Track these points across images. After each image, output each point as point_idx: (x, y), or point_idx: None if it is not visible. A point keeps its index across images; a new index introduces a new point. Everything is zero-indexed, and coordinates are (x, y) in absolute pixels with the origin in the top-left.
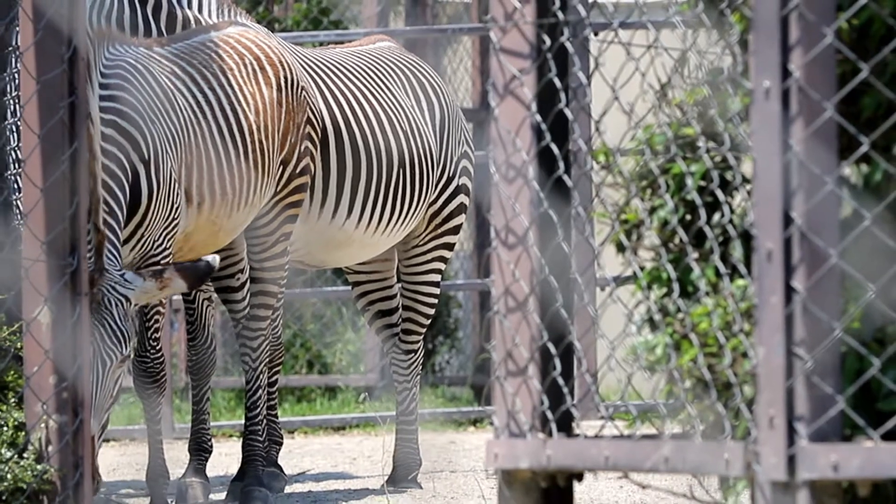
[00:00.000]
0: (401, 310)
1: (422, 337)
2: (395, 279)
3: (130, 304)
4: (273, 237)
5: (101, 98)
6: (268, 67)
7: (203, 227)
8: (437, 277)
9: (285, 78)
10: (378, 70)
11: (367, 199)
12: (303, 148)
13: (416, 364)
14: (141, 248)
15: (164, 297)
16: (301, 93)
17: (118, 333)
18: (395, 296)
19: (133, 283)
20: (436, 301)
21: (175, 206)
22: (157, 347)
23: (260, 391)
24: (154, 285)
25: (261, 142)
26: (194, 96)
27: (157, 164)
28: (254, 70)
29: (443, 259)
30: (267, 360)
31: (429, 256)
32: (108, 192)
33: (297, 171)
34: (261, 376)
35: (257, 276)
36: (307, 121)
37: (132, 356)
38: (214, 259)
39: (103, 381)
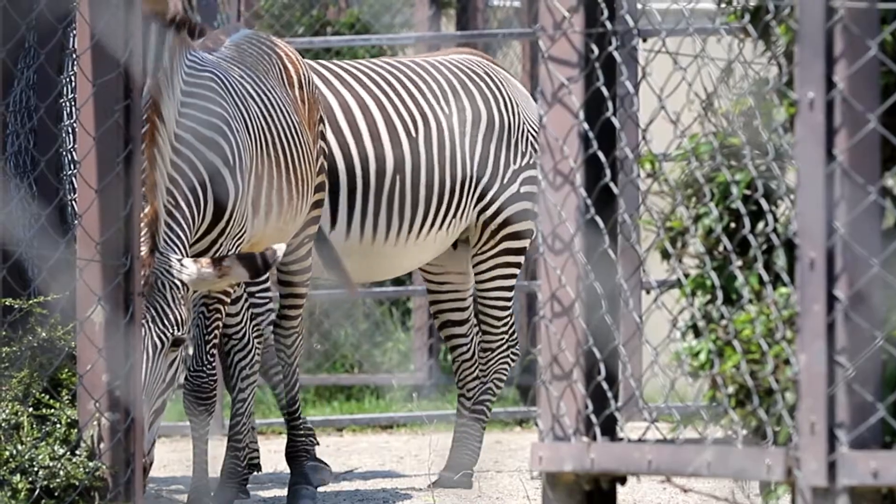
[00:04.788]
0: (472, 319)
1: (500, 338)
2: (469, 292)
3: (187, 289)
4: (298, 239)
5: (188, 106)
6: (289, 66)
7: (271, 235)
8: (503, 283)
9: (304, 75)
10: (408, 79)
11: (364, 211)
12: (318, 147)
13: (493, 362)
14: None
15: (224, 285)
16: (315, 90)
17: (169, 316)
18: (467, 308)
19: (189, 269)
20: (504, 304)
21: (245, 219)
22: (213, 364)
23: (297, 386)
24: (212, 273)
25: (306, 142)
26: (262, 102)
27: (241, 173)
28: (279, 70)
29: (508, 265)
30: (301, 355)
31: (490, 264)
32: (179, 189)
33: (316, 169)
34: (297, 373)
35: (286, 279)
36: (320, 119)
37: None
38: (280, 248)
39: (154, 364)
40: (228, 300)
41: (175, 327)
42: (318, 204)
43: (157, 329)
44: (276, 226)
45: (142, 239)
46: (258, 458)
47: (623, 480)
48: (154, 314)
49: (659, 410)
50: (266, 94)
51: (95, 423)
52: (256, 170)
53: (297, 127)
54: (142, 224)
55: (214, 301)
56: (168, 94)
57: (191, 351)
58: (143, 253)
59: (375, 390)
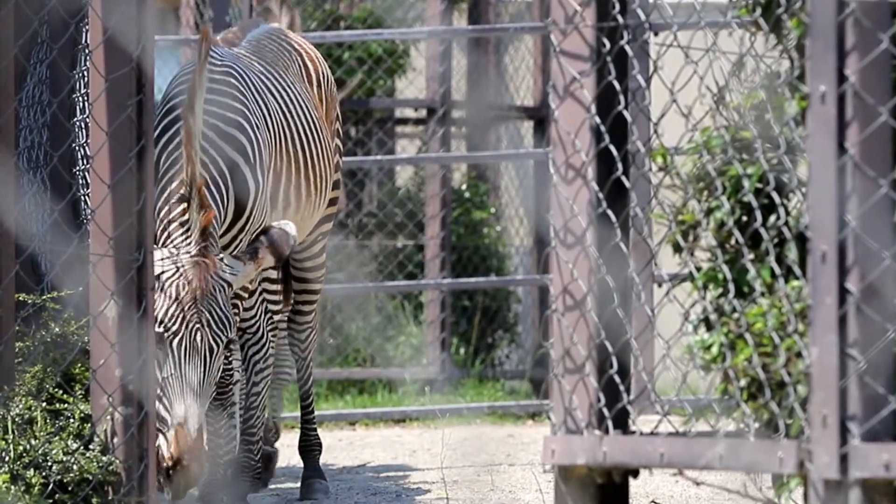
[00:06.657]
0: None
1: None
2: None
3: (231, 288)
4: (312, 236)
5: (208, 102)
6: (309, 64)
7: None
8: None
9: (323, 73)
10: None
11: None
12: (335, 144)
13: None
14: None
15: (257, 275)
16: (333, 88)
17: (223, 320)
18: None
19: (234, 269)
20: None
21: (264, 215)
22: (230, 358)
23: (311, 381)
24: (253, 267)
25: (325, 139)
26: (282, 97)
27: (261, 169)
28: (299, 66)
29: None
30: (315, 349)
31: None
32: (210, 183)
33: (333, 166)
34: (311, 367)
35: (300, 275)
36: (337, 116)
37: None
38: (288, 225)
39: (210, 367)
40: (247, 294)
41: (228, 330)
42: (333, 201)
43: (213, 333)
44: (294, 221)
45: (194, 241)
46: None
47: (635, 473)
48: (210, 319)
49: (671, 403)
50: (286, 90)
51: (108, 417)
52: (276, 165)
53: (316, 123)
54: (197, 227)
55: (233, 296)
56: (199, 86)
57: None
58: (201, 259)
59: (388, 384)
